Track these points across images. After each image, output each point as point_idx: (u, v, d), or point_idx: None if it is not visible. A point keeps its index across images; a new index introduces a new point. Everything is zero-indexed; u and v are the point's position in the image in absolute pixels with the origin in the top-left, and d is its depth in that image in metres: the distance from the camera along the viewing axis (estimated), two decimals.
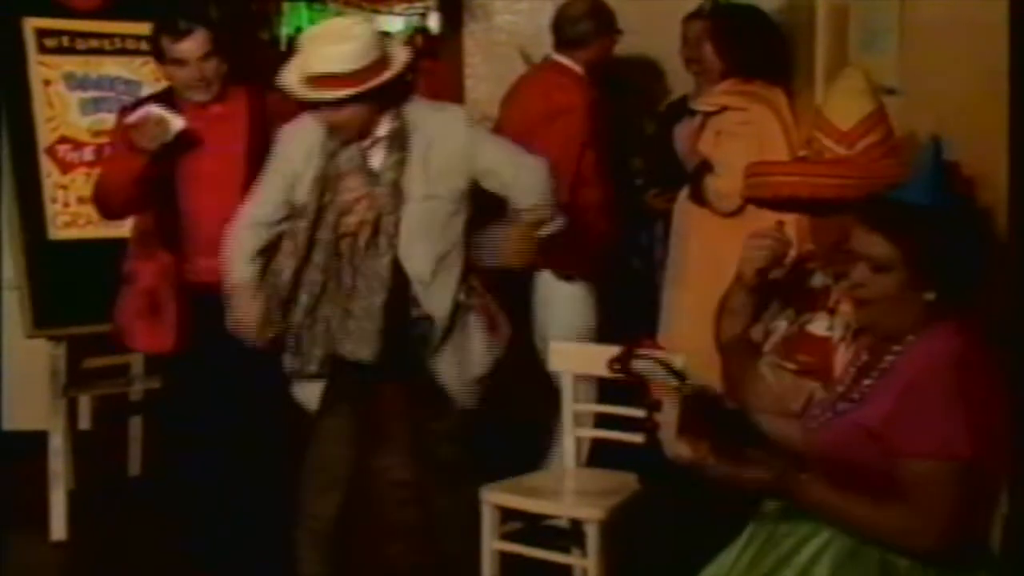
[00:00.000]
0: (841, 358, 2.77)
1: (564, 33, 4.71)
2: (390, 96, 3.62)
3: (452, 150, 3.65)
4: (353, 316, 3.63)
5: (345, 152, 3.65)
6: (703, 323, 4.22)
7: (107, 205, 4.14)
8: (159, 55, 4.00)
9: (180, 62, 3.93)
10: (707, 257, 4.25)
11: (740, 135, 4.20)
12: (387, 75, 3.54)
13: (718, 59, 4.36)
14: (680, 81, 5.05)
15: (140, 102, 4.13)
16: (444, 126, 3.68)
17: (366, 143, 3.65)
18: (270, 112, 3.99)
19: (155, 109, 3.89)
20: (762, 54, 4.33)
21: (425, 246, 3.65)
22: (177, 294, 4.00)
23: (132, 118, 3.92)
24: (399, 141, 3.64)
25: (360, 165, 3.65)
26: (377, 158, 3.67)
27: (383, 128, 3.64)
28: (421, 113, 3.68)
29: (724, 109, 4.27)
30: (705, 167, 4.28)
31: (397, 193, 3.63)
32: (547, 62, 4.74)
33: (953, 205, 2.54)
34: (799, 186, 2.93)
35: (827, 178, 2.88)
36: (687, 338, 4.12)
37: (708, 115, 4.33)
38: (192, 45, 3.91)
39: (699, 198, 4.30)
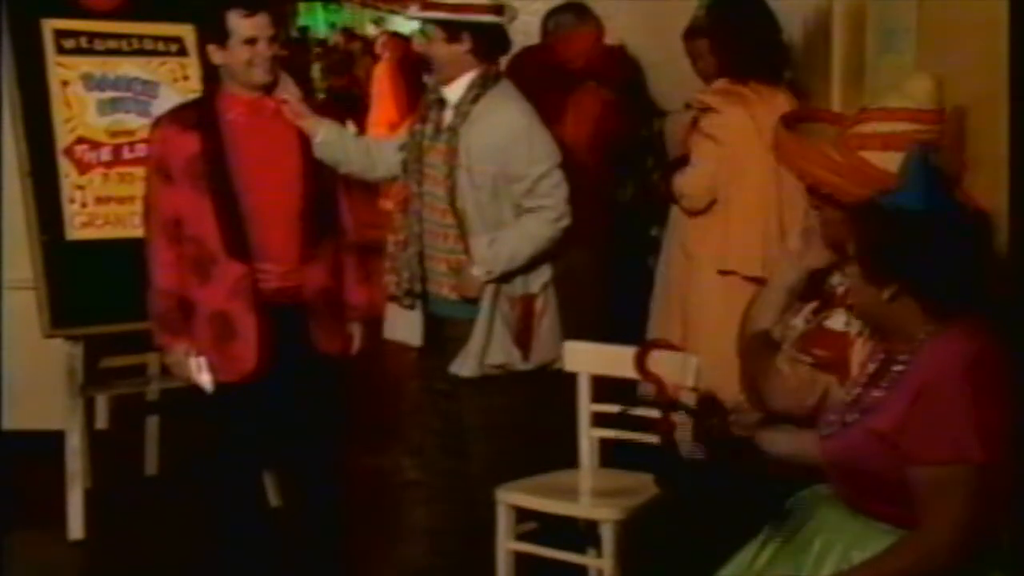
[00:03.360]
0: (858, 354, 2.77)
1: (542, 29, 4.79)
2: (480, 48, 3.81)
3: (488, 142, 3.79)
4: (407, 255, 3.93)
5: (432, 111, 3.90)
6: (672, 319, 4.28)
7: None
8: (220, 37, 3.79)
9: (251, 40, 3.76)
10: (680, 255, 4.30)
11: (712, 137, 4.22)
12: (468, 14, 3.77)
13: (712, 57, 4.37)
14: (688, 83, 5.02)
15: (179, 108, 4.02)
16: (497, 116, 3.80)
17: (448, 100, 3.86)
18: (318, 112, 3.93)
19: (203, 375, 3.81)
20: (757, 54, 4.30)
21: (475, 210, 3.81)
22: (256, 306, 3.77)
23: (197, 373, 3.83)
24: (464, 108, 3.81)
25: (436, 121, 3.88)
26: (447, 118, 3.86)
27: (458, 87, 3.83)
28: (497, 96, 3.83)
29: (709, 109, 4.28)
30: (681, 162, 4.31)
31: (452, 154, 3.80)
32: None
33: (944, 209, 2.54)
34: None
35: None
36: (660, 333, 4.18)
37: (700, 112, 4.34)
38: (263, 21, 3.76)
39: (668, 193, 4.33)
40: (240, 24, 3.76)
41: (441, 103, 3.90)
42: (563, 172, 3.81)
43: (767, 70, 4.30)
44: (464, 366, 3.84)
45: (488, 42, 3.84)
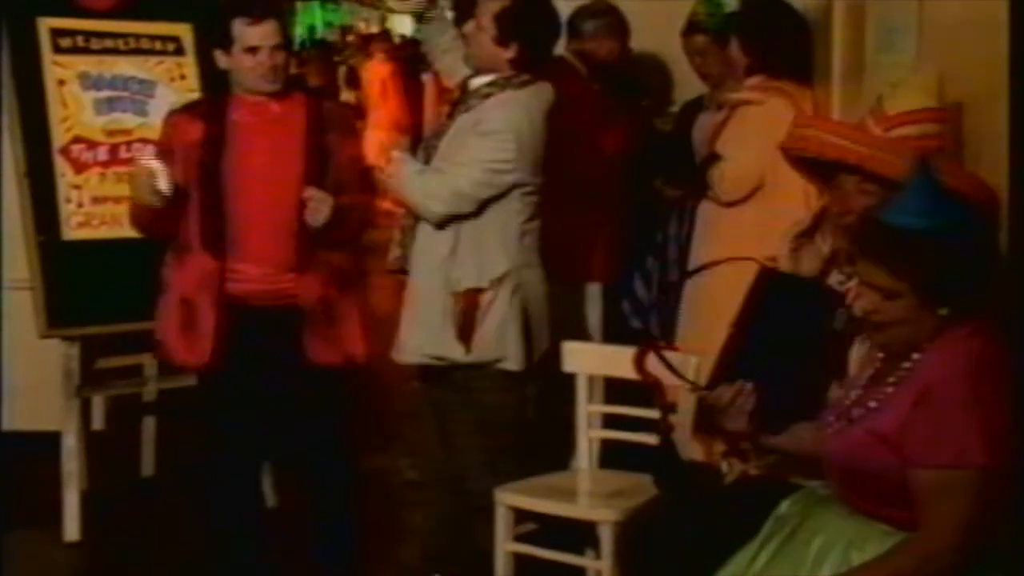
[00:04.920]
0: (856, 353, 2.75)
1: (572, 29, 4.74)
2: (522, 60, 3.78)
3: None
4: None
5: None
6: (710, 321, 4.25)
7: (143, 232, 3.98)
8: (225, 42, 3.78)
9: (254, 49, 3.75)
10: (718, 253, 4.25)
11: (752, 123, 4.19)
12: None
13: (744, 56, 4.34)
14: (695, 82, 5.03)
15: (192, 103, 4.06)
16: (489, 111, 3.78)
17: (469, 88, 3.87)
18: (326, 120, 3.89)
19: (144, 162, 3.76)
20: (789, 52, 4.29)
21: None
22: (218, 304, 3.78)
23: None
24: (465, 102, 3.82)
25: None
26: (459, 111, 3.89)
27: (481, 80, 3.84)
28: (506, 99, 3.79)
29: (747, 103, 4.26)
30: (713, 157, 4.28)
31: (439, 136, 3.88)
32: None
33: (952, 220, 2.52)
34: (810, 141, 2.94)
35: (836, 138, 2.89)
36: (699, 336, 4.12)
37: (733, 109, 4.31)
38: (268, 30, 3.74)
39: (704, 187, 4.31)
40: (244, 32, 3.74)
41: (465, 89, 3.90)
42: (488, 180, 3.76)
43: (800, 68, 4.29)
44: (402, 352, 3.87)
45: (532, 57, 3.82)
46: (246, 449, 3.92)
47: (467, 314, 3.78)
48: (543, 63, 3.88)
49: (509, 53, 3.79)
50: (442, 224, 3.80)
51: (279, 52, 3.79)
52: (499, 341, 3.82)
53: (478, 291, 3.79)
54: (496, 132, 3.76)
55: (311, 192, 3.74)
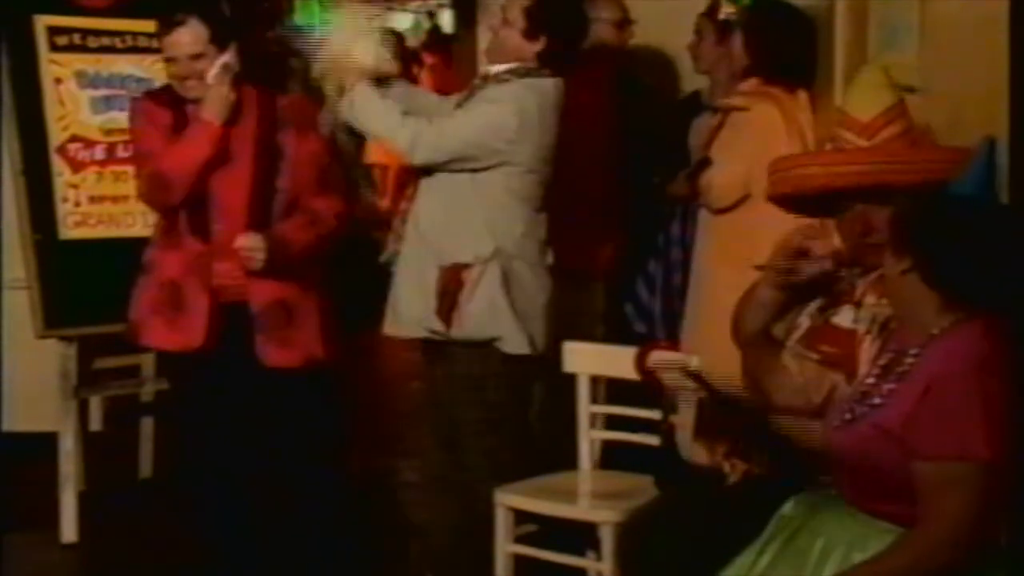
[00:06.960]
0: (866, 351, 2.74)
1: None
2: (549, 54, 3.76)
3: None
4: None
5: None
6: (714, 324, 4.23)
7: (169, 198, 3.80)
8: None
9: (170, 59, 3.76)
10: (716, 258, 4.25)
11: (741, 131, 4.19)
12: None
13: (745, 55, 4.33)
14: (694, 78, 5.02)
15: (154, 91, 4.06)
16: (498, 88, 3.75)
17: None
18: (281, 116, 3.85)
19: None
20: (790, 56, 4.28)
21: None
22: (209, 287, 3.75)
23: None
24: (482, 87, 3.80)
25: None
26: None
27: (497, 68, 3.82)
28: (519, 85, 3.76)
29: (736, 109, 4.25)
30: (705, 163, 4.28)
31: None
32: None
33: (986, 203, 2.52)
34: (819, 177, 2.89)
35: (845, 166, 2.86)
36: (704, 340, 4.10)
37: (726, 115, 4.30)
38: (180, 40, 3.70)
39: (695, 193, 4.29)
40: (160, 42, 3.77)
41: (483, 76, 3.88)
42: (478, 141, 3.72)
43: (800, 74, 4.28)
44: (398, 326, 3.84)
45: (560, 51, 3.78)
46: (227, 448, 3.87)
47: (448, 290, 3.73)
48: (570, 59, 3.84)
49: (537, 46, 3.76)
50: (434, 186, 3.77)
51: (199, 62, 3.73)
52: (491, 320, 3.74)
53: (462, 267, 3.74)
54: (499, 101, 3.73)
55: (241, 242, 3.67)
